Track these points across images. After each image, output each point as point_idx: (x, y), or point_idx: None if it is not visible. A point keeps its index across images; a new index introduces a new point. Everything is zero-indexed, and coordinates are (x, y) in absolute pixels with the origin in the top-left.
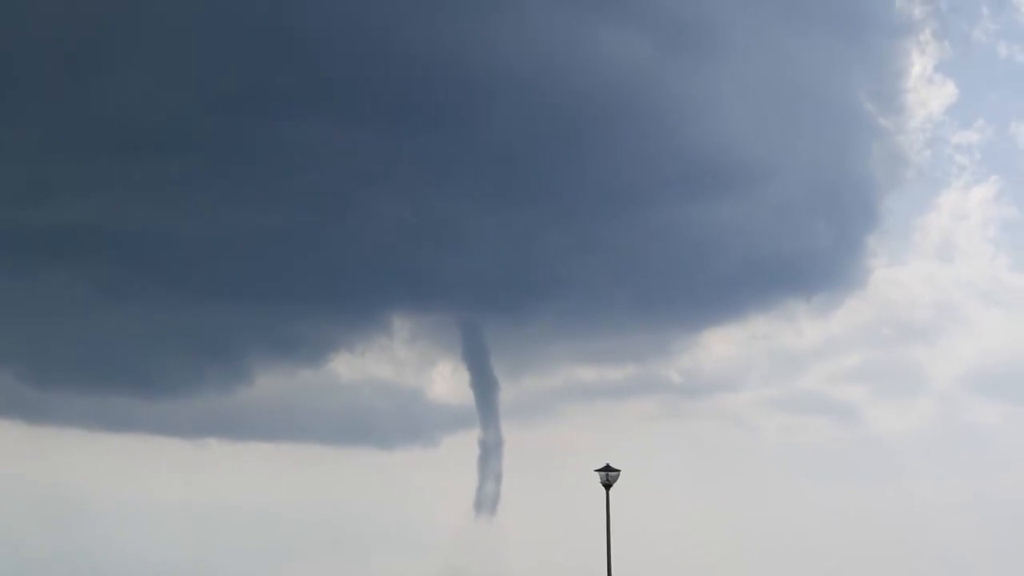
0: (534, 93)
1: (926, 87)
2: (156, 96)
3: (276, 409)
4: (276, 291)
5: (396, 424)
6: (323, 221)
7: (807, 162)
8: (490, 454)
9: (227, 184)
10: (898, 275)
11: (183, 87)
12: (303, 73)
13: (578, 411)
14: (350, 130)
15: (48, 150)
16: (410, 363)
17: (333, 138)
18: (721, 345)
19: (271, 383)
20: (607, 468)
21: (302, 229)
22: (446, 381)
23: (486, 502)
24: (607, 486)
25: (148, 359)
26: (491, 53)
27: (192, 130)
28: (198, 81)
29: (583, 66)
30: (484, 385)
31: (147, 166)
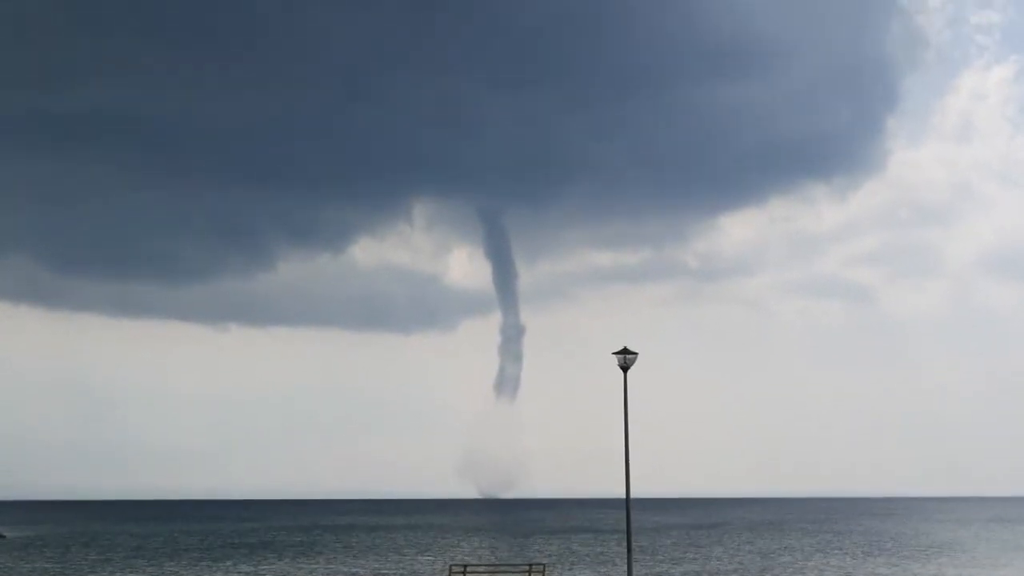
0: None
1: None
2: None
3: (297, 294)
4: (298, 176)
5: (414, 309)
6: (344, 106)
7: (827, 43)
8: (511, 340)
9: (249, 69)
10: (916, 157)
11: None
12: None
13: (594, 295)
14: (369, 14)
15: (69, 34)
16: (429, 249)
17: (352, 22)
18: (739, 228)
19: (293, 268)
20: (624, 351)
21: (323, 114)
22: (463, 267)
23: (507, 386)
24: (624, 368)
25: (169, 244)
26: None
27: (214, 14)
28: None
29: None
30: (505, 276)
31: (168, 51)
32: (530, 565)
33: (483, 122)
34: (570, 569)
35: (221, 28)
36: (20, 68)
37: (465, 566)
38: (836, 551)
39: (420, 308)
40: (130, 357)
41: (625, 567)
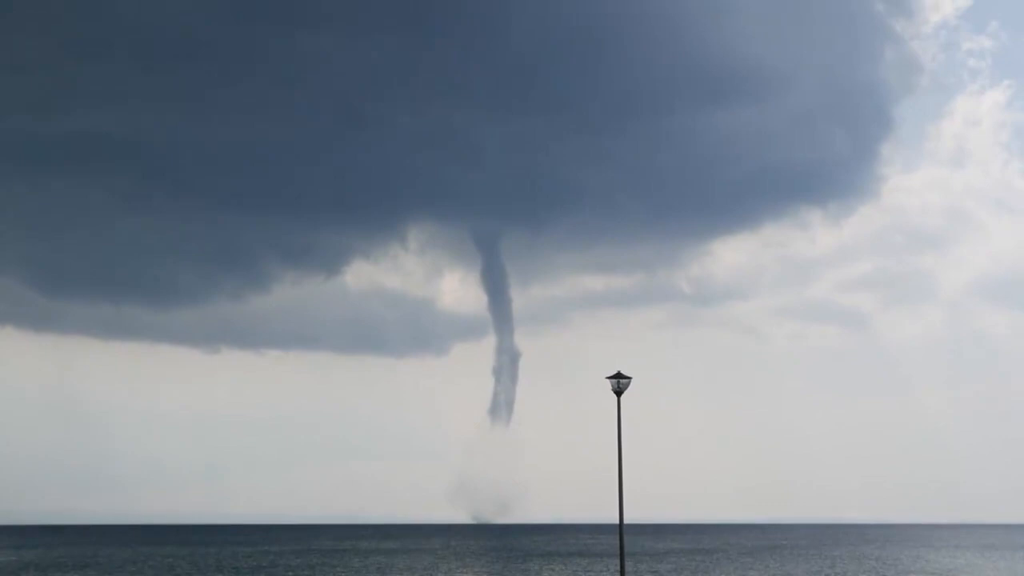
0: (549, 4)
1: None
2: (171, 5)
3: (290, 317)
4: (293, 200)
5: (407, 332)
6: (339, 131)
7: (822, 69)
8: (506, 365)
9: (245, 93)
10: (911, 182)
11: None
12: None
13: (588, 319)
14: (365, 40)
15: (63, 60)
16: (422, 272)
17: (348, 48)
18: (732, 254)
19: (287, 291)
20: (618, 375)
21: (319, 139)
22: (456, 290)
23: (501, 410)
24: (618, 393)
25: (161, 267)
26: None
27: (208, 39)
28: None
29: None
30: (501, 300)
31: (162, 76)
32: None
33: (478, 148)
34: None
35: (217, 54)
36: (14, 93)
37: None
38: None
39: (413, 331)
40: (121, 380)
41: None
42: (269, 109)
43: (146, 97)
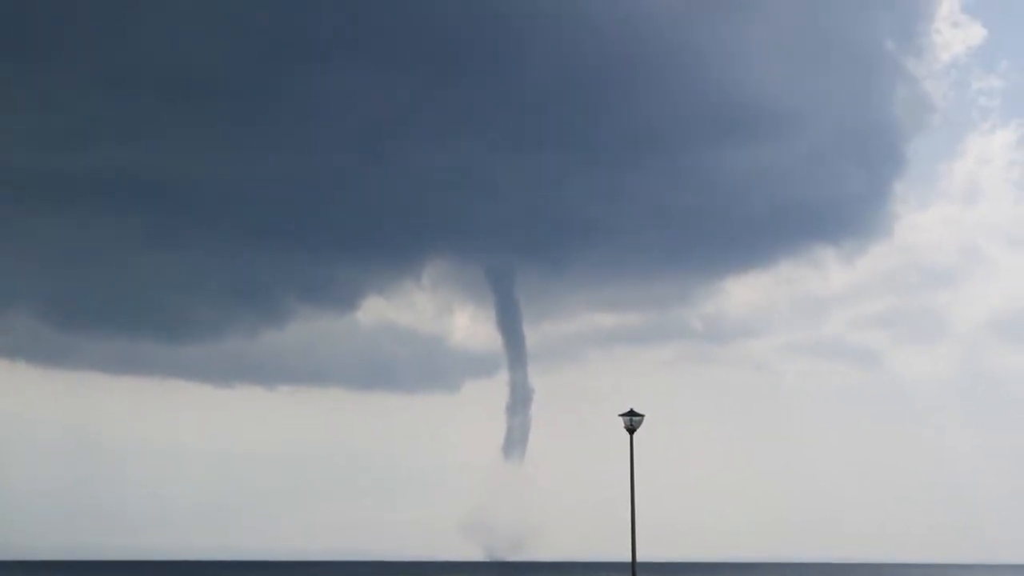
0: (564, 41)
1: (951, 29)
2: (196, 43)
3: (303, 353)
4: (311, 236)
5: (419, 368)
6: (357, 167)
7: (834, 107)
8: (520, 401)
9: (265, 130)
10: (924, 220)
11: (223, 34)
12: (340, 21)
13: (600, 357)
14: (384, 78)
15: (83, 96)
16: (434, 309)
17: (367, 85)
18: (744, 291)
19: (301, 327)
20: (631, 413)
21: (336, 175)
22: (468, 328)
23: (515, 446)
24: (631, 431)
25: (176, 303)
26: (523, 2)
27: (230, 76)
28: (238, 29)
29: (613, 14)
30: (514, 340)
31: (182, 112)
32: None
33: (493, 184)
34: None
35: (238, 91)
36: (33, 129)
37: None
38: None
39: (425, 368)
40: (133, 415)
41: None
42: (288, 145)
43: (165, 133)
